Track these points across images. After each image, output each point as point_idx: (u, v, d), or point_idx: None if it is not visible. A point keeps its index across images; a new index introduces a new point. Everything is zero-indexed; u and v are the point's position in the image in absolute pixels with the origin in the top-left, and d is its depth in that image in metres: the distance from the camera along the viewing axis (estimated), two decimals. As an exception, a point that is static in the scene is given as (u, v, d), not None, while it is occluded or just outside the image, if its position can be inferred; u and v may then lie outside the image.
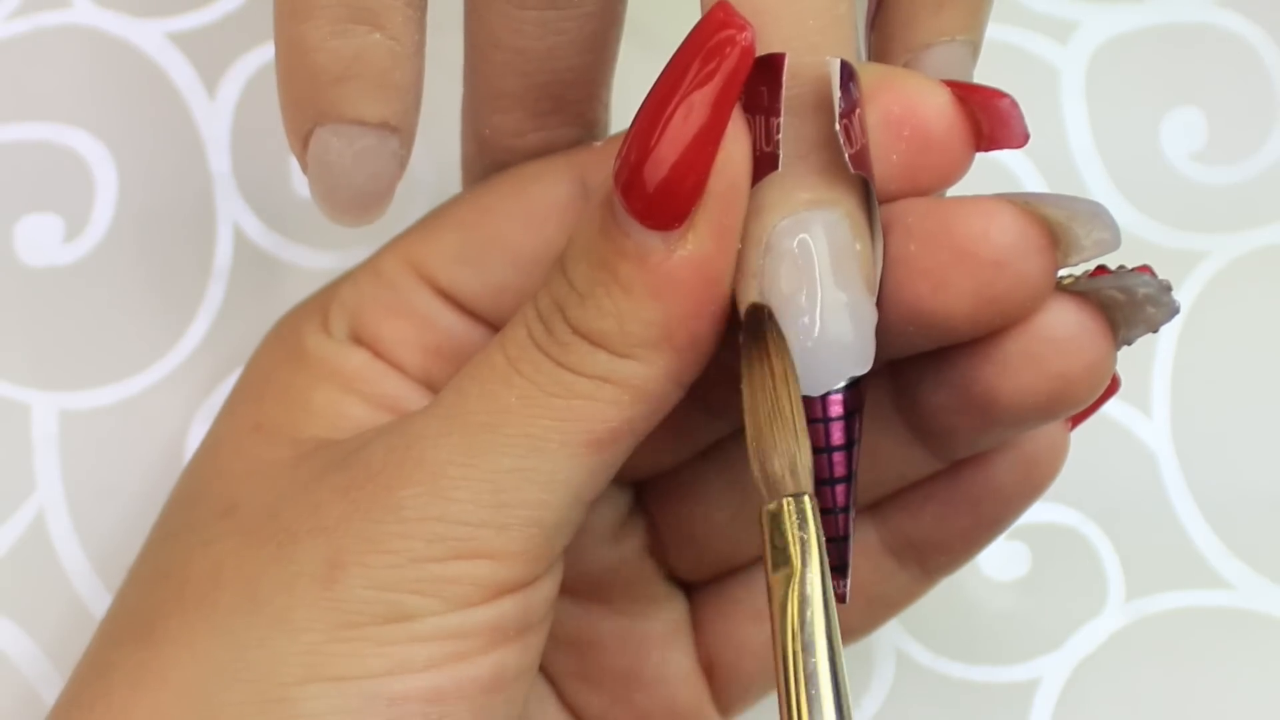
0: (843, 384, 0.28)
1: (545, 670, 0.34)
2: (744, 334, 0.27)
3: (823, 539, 0.27)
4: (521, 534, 0.28)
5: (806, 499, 0.27)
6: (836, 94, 0.27)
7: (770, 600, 0.26)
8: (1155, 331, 0.28)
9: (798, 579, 0.26)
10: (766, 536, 0.27)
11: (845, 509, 0.29)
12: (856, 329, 0.27)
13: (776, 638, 0.26)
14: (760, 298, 0.28)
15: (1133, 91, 0.42)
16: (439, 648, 0.28)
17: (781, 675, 0.26)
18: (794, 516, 0.26)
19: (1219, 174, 0.41)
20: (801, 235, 0.27)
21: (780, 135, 0.27)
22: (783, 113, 0.27)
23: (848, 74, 0.27)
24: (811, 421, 0.28)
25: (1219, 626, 0.39)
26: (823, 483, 0.28)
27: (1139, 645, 0.39)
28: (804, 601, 0.26)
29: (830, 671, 0.26)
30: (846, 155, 0.27)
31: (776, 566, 0.26)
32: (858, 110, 0.28)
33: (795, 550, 0.26)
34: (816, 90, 0.27)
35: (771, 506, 0.27)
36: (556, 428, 0.28)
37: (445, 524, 0.28)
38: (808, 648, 0.26)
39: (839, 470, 0.28)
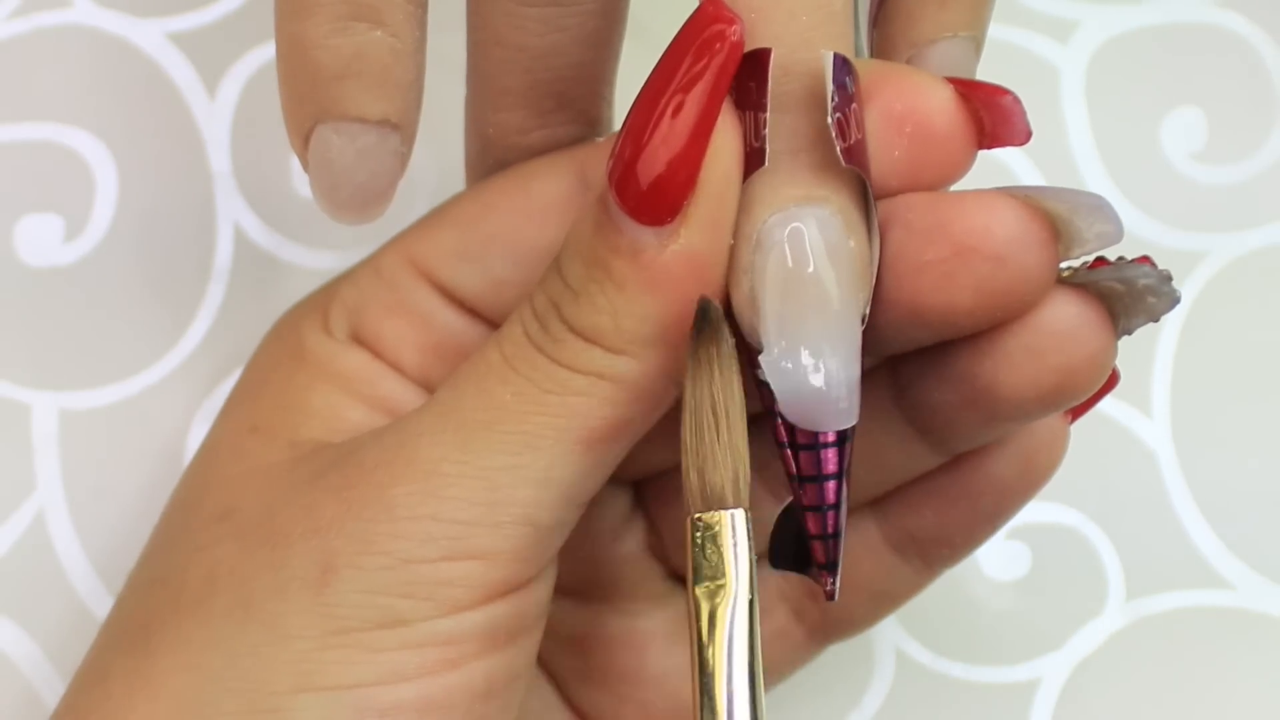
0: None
1: (549, 671, 0.34)
2: (693, 331, 0.27)
3: (754, 560, 0.27)
4: (514, 533, 0.28)
5: (743, 514, 0.27)
6: (829, 87, 0.27)
7: (695, 611, 0.26)
8: (1156, 321, 0.28)
9: (730, 599, 0.26)
10: (698, 545, 0.26)
11: (836, 505, 0.29)
12: (841, 333, 0.27)
13: (705, 653, 0.26)
14: (751, 294, 0.28)
15: (1133, 91, 0.42)
16: (431, 654, 0.28)
17: (703, 691, 0.26)
18: (733, 533, 0.26)
19: (1219, 174, 0.41)
20: (790, 229, 0.27)
21: (768, 130, 0.27)
22: (770, 108, 0.27)
23: (842, 67, 0.27)
24: None
25: (1219, 626, 0.39)
26: (815, 479, 0.28)
27: (1139, 645, 0.39)
28: (737, 623, 0.26)
29: (751, 696, 0.26)
30: (839, 150, 0.27)
31: (703, 578, 0.26)
32: (853, 105, 0.27)
33: (729, 568, 0.26)
34: (809, 86, 0.27)
35: (710, 518, 0.27)
36: (551, 424, 0.28)
37: (438, 523, 0.28)
38: (733, 672, 0.26)
39: (830, 467, 0.28)
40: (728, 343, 0.27)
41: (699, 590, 0.26)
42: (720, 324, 0.27)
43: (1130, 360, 0.31)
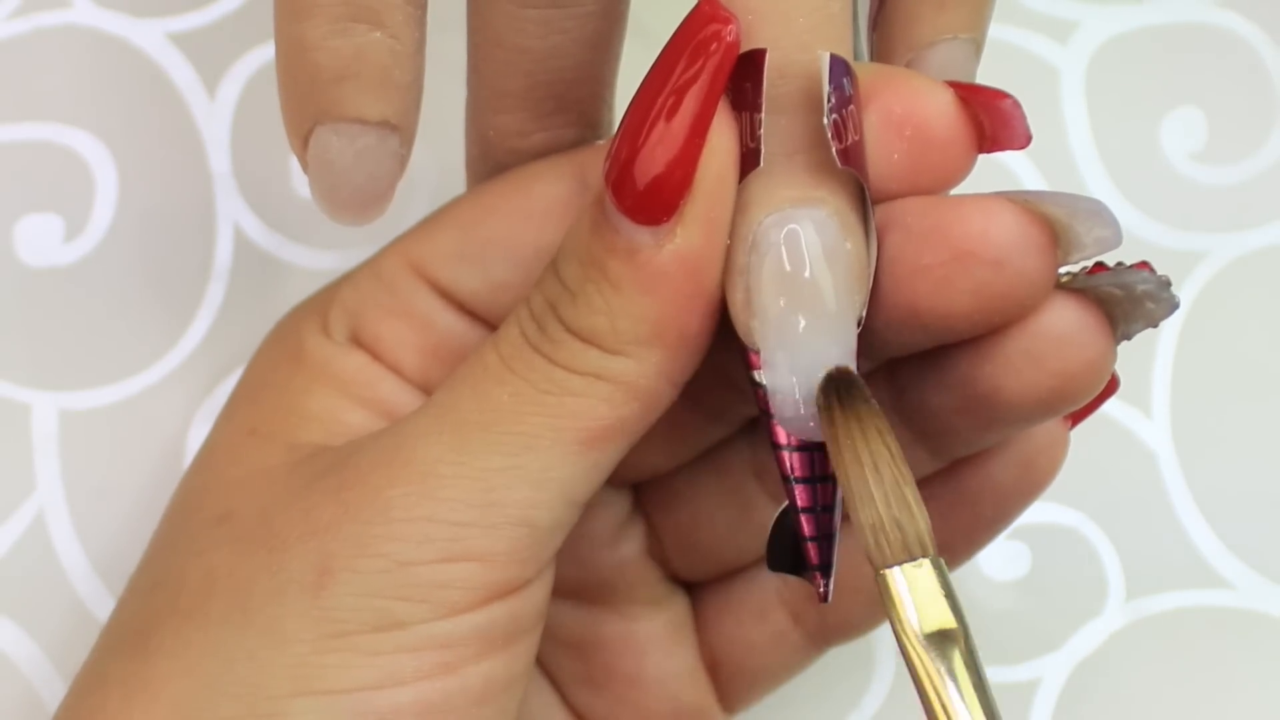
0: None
1: (548, 674, 0.34)
2: (834, 392, 0.27)
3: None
4: (511, 534, 0.28)
5: (940, 561, 0.27)
6: (826, 88, 0.27)
7: (919, 658, 0.26)
8: (1155, 326, 0.28)
9: (964, 642, 0.26)
10: (906, 593, 0.26)
11: (830, 508, 0.29)
12: (836, 335, 0.27)
13: (943, 699, 0.26)
14: (747, 296, 0.28)
15: (1133, 91, 0.42)
16: (428, 658, 0.28)
17: None
18: (944, 578, 0.26)
19: (1219, 174, 0.41)
20: (786, 230, 0.27)
21: (763, 131, 0.27)
22: (765, 109, 0.27)
23: (839, 69, 0.27)
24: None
25: (1219, 626, 0.39)
26: (809, 480, 0.28)
27: (1139, 645, 0.39)
28: (969, 665, 0.26)
29: None
30: (834, 151, 0.27)
31: (923, 625, 0.26)
32: (850, 106, 0.27)
33: (951, 612, 0.26)
34: (806, 88, 0.27)
35: (918, 566, 0.26)
36: (549, 425, 0.28)
37: (434, 524, 0.28)
38: (973, 714, 0.26)
39: (824, 469, 0.28)
40: (869, 397, 0.27)
41: (919, 639, 0.26)
42: (862, 384, 0.27)
43: (1130, 360, 0.31)
